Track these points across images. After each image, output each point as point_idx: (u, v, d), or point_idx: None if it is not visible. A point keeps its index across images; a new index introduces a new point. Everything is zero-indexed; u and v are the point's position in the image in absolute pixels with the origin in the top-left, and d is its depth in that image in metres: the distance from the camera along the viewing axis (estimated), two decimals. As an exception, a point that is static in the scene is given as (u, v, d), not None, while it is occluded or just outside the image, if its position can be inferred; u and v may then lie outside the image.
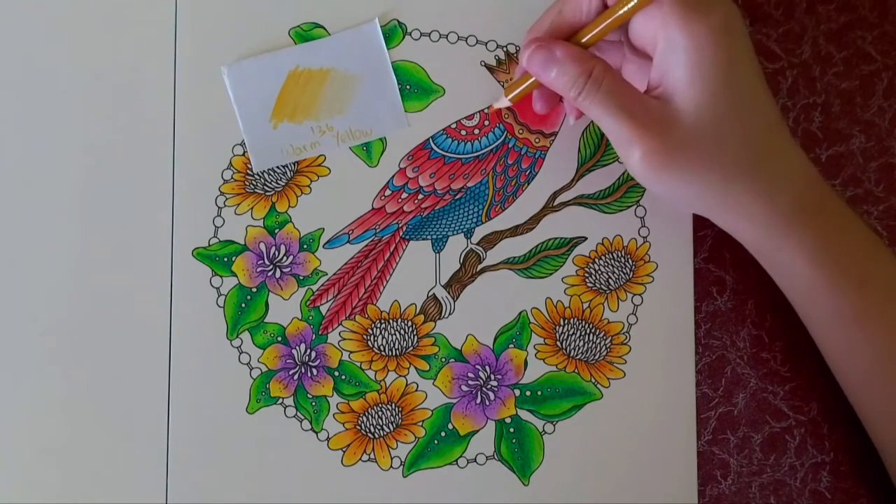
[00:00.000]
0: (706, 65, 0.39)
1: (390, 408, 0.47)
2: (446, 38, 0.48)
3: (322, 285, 0.47)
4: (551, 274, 0.47)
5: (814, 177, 0.42)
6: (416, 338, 0.47)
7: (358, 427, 0.46)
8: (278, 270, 0.47)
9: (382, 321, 0.47)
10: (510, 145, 0.48)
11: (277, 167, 0.47)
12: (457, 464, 0.46)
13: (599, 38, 0.41)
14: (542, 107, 0.45)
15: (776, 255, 0.42)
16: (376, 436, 0.46)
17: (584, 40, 0.41)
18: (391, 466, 0.46)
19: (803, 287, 0.42)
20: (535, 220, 0.48)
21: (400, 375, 0.47)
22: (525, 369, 0.47)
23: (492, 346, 0.47)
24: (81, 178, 0.46)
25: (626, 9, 0.40)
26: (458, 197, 0.47)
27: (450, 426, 0.47)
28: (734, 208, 0.41)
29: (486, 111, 0.47)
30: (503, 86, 0.47)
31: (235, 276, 0.47)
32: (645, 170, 0.40)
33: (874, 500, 0.47)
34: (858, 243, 0.42)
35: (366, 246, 0.47)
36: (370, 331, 0.47)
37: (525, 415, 0.47)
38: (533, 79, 0.43)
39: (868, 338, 0.42)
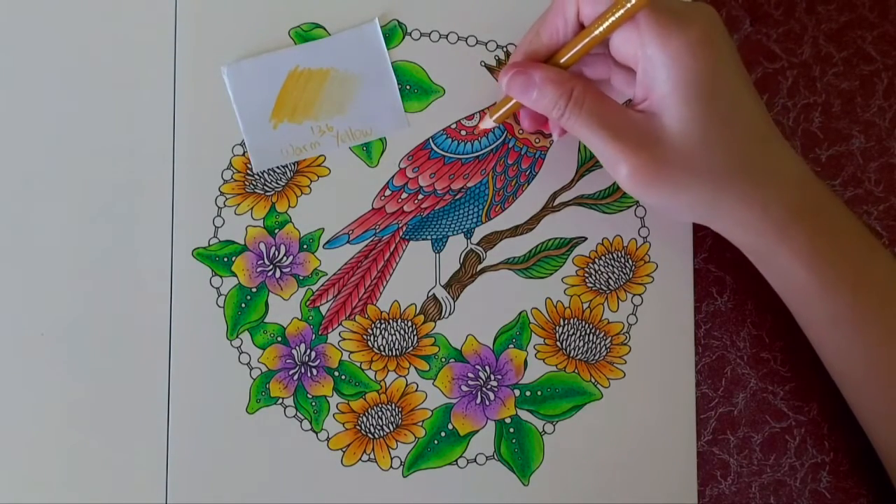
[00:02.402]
0: (687, 79, 0.38)
1: (390, 408, 0.47)
2: (446, 38, 0.48)
3: (322, 285, 0.47)
4: (551, 274, 0.47)
5: (808, 180, 0.42)
6: (416, 338, 0.47)
7: (358, 427, 0.46)
8: (278, 270, 0.47)
9: (382, 321, 0.47)
10: (510, 145, 0.48)
11: (277, 167, 0.47)
12: (457, 464, 0.46)
13: (578, 59, 0.41)
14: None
15: (771, 260, 0.42)
16: (376, 436, 0.46)
17: (562, 61, 0.41)
18: (391, 466, 0.46)
19: (799, 291, 0.42)
20: (535, 220, 0.48)
21: (400, 375, 0.47)
22: (525, 369, 0.47)
23: (492, 347, 0.47)
24: (81, 179, 0.46)
25: (601, 28, 0.39)
26: (458, 197, 0.47)
27: (450, 426, 0.47)
28: (726, 217, 0.41)
29: (486, 111, 0.47)
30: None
31: (235, 276, 0.47)
32: (633, 185, 0.40)
33: (874, 500, 0.47)
34: (854, 246, 0.42)
35: (366, 246, 0.47)
36: (370, 331, 0.47)
37: (525, 415, 0.47)
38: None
39: (865, 341, 0.42)
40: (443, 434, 0.47)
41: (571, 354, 0.47)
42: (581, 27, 0.41)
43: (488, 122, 0.45)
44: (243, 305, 0.46)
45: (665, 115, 0.39)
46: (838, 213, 0.42)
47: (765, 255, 0.42)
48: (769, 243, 0.41)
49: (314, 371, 0.46)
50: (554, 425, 0.47)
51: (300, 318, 0.47)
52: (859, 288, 0.41)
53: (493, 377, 0.47)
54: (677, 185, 0.40)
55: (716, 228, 0.43)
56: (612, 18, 0.39)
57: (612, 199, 0.48)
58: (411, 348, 0.47)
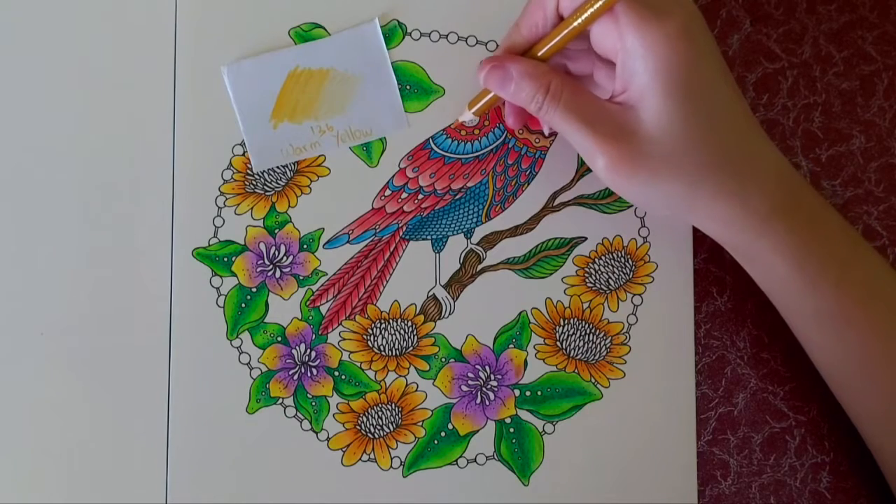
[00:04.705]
0: (665, 71, 0.38)
1: (390, 408, 0.47)
2: (446, 38, 0.48)
3: (322, 285, 0.47)
4: (551, 274, 0.47)
5: (788, 173, 0.41)
6: (416, 338, 0.47)
7: (358, 427, 0.46)
8: (278, 270, 0.47)
9: (382, 321, 0.47)
10: (510, 145, 0.48)
11: (277, 167, 0.47)
12: (457, 464, 0.46)
13: (556, 51, 0.41)
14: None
15: (753, 255, 0.42)
16: (376, 436, 0.46)
17: (540, 53, 0.41)
18: (391, 466, 0.46)
19: (782, 285, 0.42)
20: (535, 220, 0.48)
21: (400, 375, 0.47)
22: (525, 369, 0.47)
23: (492, 346, 0.47)
24: (81, 178, 0.46)
25: (580, 20, 0.40)
26: (458, 197, 0.47)
27: (450, 426, 0.47)
28: (705, 211, 0.41)
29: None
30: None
31: (235, 276, 0.47)
32: (610, 178, 0.40)
33: (874, 500, 0.47)
34: (836, 239, 0.42)
35: (366, 246, 0.47)
36: (370, 331, 0.47)
37: (525, 415, 0.47)
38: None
39: (851, 335, 0.42)
40: (443, 434, 0.47)
41: (571, 354, 0.47)
42: (561, 20, 0.41)
43: (467, 115, 0.45)
44: (243, 305, 0.46)
45: (642, 106, 0.39)
46: (819, 206, 0.42)
47: (746, 250, 0.42)
48: (749, 237, 0.41)
49: (314, 371, 0.46)
50: (554, 425, 0.47)
51: (300, 318, 0.47)
52: (842, 281, 0.41)
53: (493, 377, 0.47)
54: (654, 176, 0.40)
55: (695, 223, 0.42)
56: (591, 10, 0.39)
57: (612, 198, 0.48)
58: (411, 348, 0.47)
